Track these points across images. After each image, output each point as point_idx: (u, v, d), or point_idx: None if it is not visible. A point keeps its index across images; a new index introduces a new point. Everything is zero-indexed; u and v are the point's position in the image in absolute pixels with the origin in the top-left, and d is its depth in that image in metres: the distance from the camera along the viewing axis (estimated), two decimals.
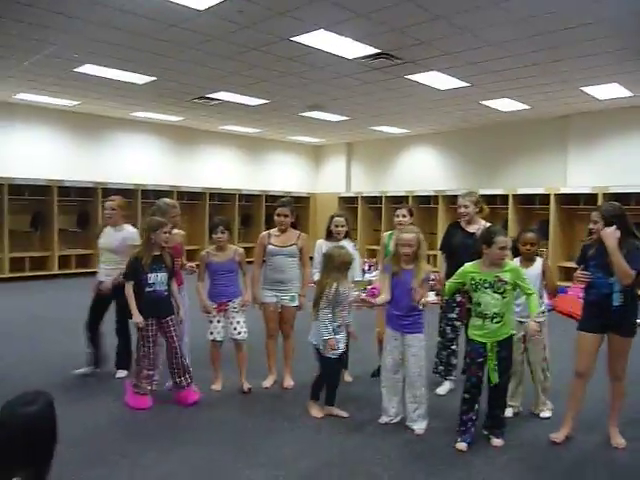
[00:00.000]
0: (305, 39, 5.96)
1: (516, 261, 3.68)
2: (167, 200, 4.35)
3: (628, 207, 8.69)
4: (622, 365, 3.24)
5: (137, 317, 3.71)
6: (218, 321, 4.04)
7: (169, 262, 3.83)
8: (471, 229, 4.27)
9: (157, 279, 3.75)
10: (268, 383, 4.21)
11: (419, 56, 6.56)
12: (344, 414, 3.64)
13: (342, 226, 4.22)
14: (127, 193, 10.88)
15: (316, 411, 3.66)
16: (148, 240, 3.75)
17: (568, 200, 9.58)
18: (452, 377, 4.26)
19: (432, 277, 3.67)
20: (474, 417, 3.27)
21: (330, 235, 4.27)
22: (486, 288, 3.22)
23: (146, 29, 5.72)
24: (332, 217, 4.31)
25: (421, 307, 3.42)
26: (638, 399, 3.78)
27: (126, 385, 3.88)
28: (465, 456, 3.11)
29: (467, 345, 4.17)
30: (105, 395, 3.99)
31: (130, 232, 4.43)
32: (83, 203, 10.56)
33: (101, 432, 3.36)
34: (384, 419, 3.56)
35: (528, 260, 3.72)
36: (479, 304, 3.25)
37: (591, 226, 3.20)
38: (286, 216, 4.19)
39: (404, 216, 4.31)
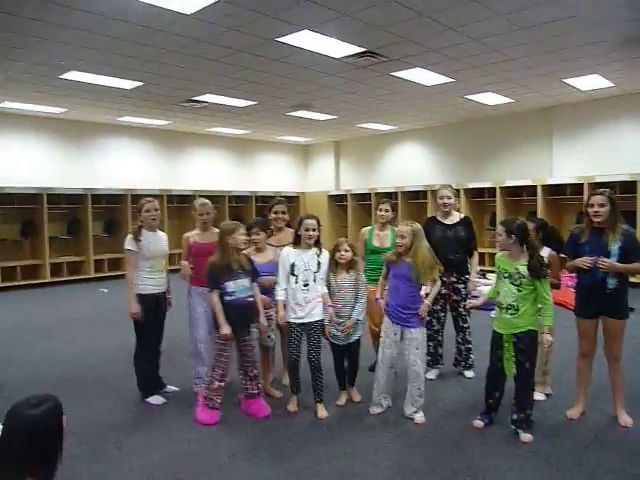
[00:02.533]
0: (290, 39, 6.01)
1: (545, 251, 3.70)
2: (199, 199, 4.24)
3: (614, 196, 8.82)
4: (618, 346, 3.39)
5: (225, 328, 3.48)
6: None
7: (248, 266, 3.62)
8: (448, 221, 4.40)
9: (237, 286, 3.55)
10: None
11: (403, 53, 6.63)
12: (357, 398, 3.87)
13: (314, 230, 3.68)
14: (117, 198, 10.95)
15: (339, 400, 3.86)
16: (224, 245, 3.57)
17: (554, 191, 9.72)
18: (439, 365, 4.45)
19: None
20: (492, 401, 3.42)
21: (298, 241, 3.74)
22: (505, 277, 3.29)
23: (132, 34, 5.74)
24: (301, 219, 3.73)
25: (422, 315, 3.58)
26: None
27: (198, 399, 3.74)
28: (465, 443, 3.19)
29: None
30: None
31: (165, 237, 4.14)
32: (73, 210, 10.54)
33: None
34: (375, 410, 3.65)
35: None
36: (498, 293, 3.35)
37: (596, 209, 3.30)
38: (284, 213, 4.24)
39: (387, 210, 4.43)
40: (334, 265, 3.74)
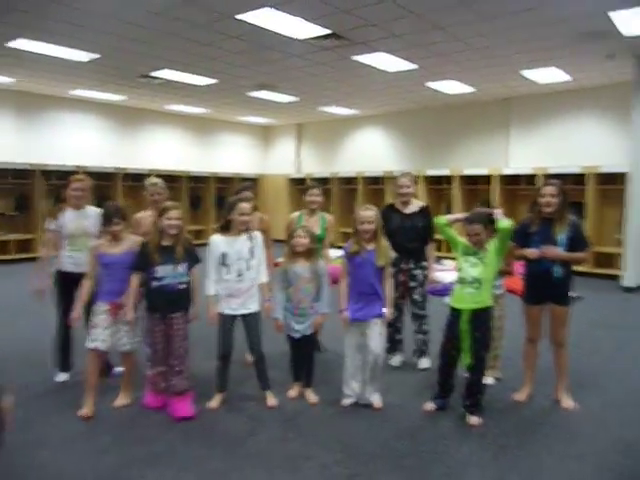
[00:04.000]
0: (250, 17, 5.86)
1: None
2: (150, 179, 4.06)
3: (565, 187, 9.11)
4: (562, 332, 3.53)
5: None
6: None
7: (181, 252, 3.31)
8: (407, 210, 4.27)
9: (167, 272, 3.28)
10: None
11: (367, 37, 6.59)
12: (312, 400, 3.59)
13: (249, 215, 3.47)
14: (68, 175, 10.48)
15: (291, 391, 3.69)
16: (157, 227, 3.33)
17: (510, 181, 9.96)
18: (399, 351, 4.43)
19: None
20: (447, 387, 3.45)
21: (227, 227, 3.47)
22: (469, 255, 3.32)
23: (89, 4, 5.48)
24: (235, 203, 3.44)
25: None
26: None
27: (146, 383, 3.56)
28: (417, 428, 3.25)
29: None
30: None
31: (97, 213, 3.86)
32: (21, 186, 10.09)
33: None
34: (347, 401, 3.55)
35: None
36: (460, 269, 3.34)
37: (548, 199, 3.39)
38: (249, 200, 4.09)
39: (317, 196, 4.39)
40: (290, 253, 3.55)
